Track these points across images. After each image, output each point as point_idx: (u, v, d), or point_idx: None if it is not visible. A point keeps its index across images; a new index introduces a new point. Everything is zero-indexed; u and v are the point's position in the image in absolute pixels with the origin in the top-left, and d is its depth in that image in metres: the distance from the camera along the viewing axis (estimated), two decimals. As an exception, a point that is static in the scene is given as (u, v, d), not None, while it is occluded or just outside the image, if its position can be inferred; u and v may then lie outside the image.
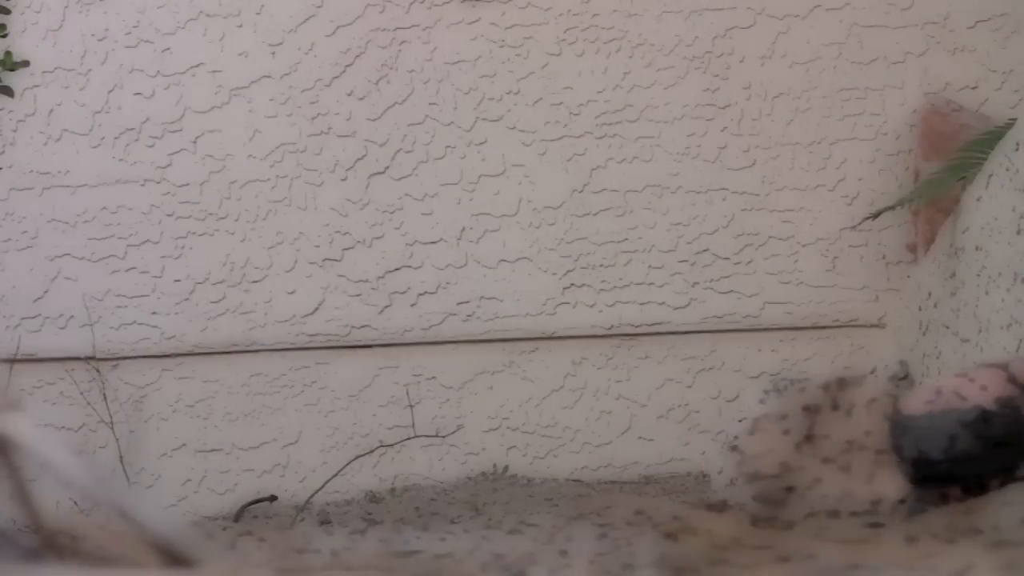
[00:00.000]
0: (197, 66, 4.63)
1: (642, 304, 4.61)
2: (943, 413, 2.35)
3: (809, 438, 2.36)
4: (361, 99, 4.63)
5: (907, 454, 2.36)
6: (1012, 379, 2.38)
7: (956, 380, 2.40)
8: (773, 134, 4.60)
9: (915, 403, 2.37)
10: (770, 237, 4.60)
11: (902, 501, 2.34)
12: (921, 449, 2.34)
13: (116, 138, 4.64)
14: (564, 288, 4.62)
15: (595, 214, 4.62)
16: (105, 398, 4.60)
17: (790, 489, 2.29)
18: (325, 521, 4.30)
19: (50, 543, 1.58)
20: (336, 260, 4.63)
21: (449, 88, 4.63)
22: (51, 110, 4.64)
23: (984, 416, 2.34)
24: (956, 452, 2.33)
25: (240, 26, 4.63)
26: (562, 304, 4.62)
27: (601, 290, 4.61)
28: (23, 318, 4.64)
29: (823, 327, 4.60)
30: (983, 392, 2.35)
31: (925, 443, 2.35)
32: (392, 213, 4.63)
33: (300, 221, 4.63)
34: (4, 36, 4.62)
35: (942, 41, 4.59)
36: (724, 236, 4.61)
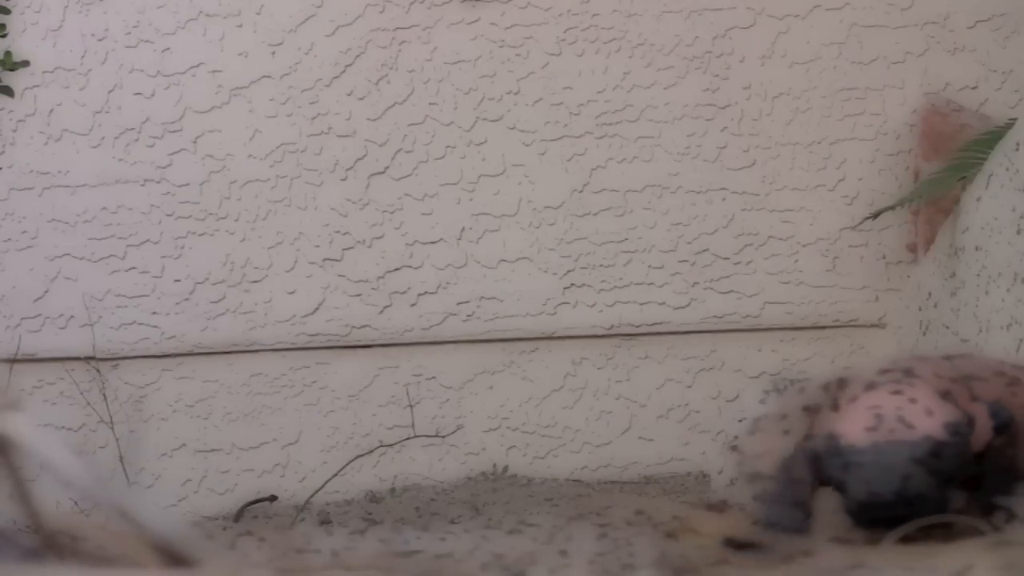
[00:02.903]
0: (197, 66, 4.63)
1: (642, 304, 4.61)
2: (890, 446, 2.07)
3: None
4: (361, 99, 4.63)
5: (855, 495, 2.09)
6: (947, 392, 2.15)
7: (893, 400, 2.13)
8: (773, 134, 4.60)
9: (853, 429, 2.12)
10: (770, 237, 4.60)
11: None
12: (872, 491, 2.06)
13: (116, 138, 4.64)
14: (564, 288, 4.62)
15: (595, 214, 4.61)
16: (105, 398, 4.60)
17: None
18: (325, 521, 4.29)
19: (50, 543, 1.58)
20: (336, 260, 4.63)
21: (449, 88, 4.63)
22: (51, 110, 4.64)
23: (935, 450, 2.07)
24: (910, 493, 2.05)
25: (240, 26, 4.63)
26: (562, 304, 4.62)
27: (601, 290, 4.61)
28: (23, 318, 4.64)
29: (823, 327, 4.60)
30: (930, 418, 2.10)
31: (876, 483, 2.06)
32: (392, 213, 4.62)
33: (300, 221, 4.63)
34: (4, 36, 4.62)
35: (942, 41, 4.58)
36: (724, 236, 4.61)
